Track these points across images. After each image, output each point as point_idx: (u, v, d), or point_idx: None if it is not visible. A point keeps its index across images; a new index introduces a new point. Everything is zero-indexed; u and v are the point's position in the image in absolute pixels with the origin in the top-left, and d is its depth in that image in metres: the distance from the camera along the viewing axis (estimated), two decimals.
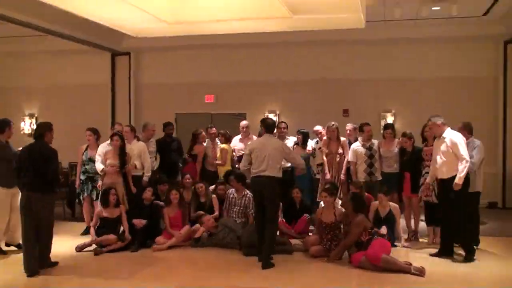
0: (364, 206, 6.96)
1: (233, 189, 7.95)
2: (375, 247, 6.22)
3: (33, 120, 13.57)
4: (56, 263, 6.31)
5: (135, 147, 8.31)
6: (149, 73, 13.18)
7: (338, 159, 8.37)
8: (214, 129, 9.28)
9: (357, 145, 8.20)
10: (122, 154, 7.83)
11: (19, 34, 11.52)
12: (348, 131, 8.70)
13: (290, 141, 8.98)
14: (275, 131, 7.58)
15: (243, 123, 9.49)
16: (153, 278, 5.99)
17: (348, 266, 6.35)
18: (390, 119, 11.67)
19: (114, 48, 12.79)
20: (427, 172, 7.39)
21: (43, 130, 6.23)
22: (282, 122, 9.33)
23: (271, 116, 12.34)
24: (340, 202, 7.49)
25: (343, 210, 6.90)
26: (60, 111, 13.09)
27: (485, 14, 10.59)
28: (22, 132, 13.47)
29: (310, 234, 7.70)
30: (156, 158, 9.05)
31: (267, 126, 6.80)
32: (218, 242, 7.39)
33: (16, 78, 13.56)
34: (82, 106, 13.09)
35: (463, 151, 6.51)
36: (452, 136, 6.66)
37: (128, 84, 13.17)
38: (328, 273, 6.17)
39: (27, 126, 13.53)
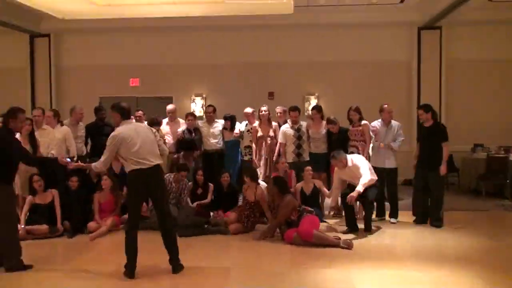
0: (287, 186, 7.26)
1: (172, 175, 8.04)
2: (305, 224, 6.56)
3: None
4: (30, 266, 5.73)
5: (58, 132, 8.11)
6: (71, 55, 12.73)
7: (269, 141, 8.63)
8: (140, 112, 9.19)
9: (286, 127, 8.50)
10: (32, 140, 7.49)
11: None
12: (278, 114, 8.95)
13: (219, 124, 9.14)
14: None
15: (170, 107, 9.50)
16: (92, 263, 5.97)
17: (281, 243, 6.65)
18: (313, 101, 12.07)
19: (33, 30, 12.28)
20: (352, 152, 7.94)
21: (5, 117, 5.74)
22: (210, 105, 9.44)
23: (198, 99, 12.47)
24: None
25: (265, 192, 7.29)
26: None
27: (401, 1, 11.23)
28: None
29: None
30: (86, 143, 8.92)
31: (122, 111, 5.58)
32: (151, 225, 7.45)
33: None
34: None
35: (364, 169, 7.11)
36: (354, 161, 7.27)
37: (49, 67, 12.69)
38: (262, 249, 6.43)
39: None
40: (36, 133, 7.67)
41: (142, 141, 5.35)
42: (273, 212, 7.13)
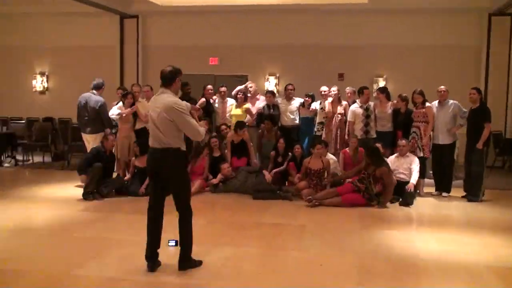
0: (383, 158, 8.15)
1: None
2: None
3: (44, 78, 14.36)
4: None
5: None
6: (157, 36, 13.96)
7: (339, 118, 9.39)
8: (224, 87, 10.16)
9: (355, 106, 9.24)
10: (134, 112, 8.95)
11: None
12: (348, 94, 9.69)
13: (296, 102, 9.99)
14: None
15: (250, 84, 10.38)
16: None
17: (346, 208, 7.53)
18: (382, 83, 12.68)
19: (123, 11, 13.53)
20: (414, 131, 8.70)
21: None
22: (290, 84, 10.26)
23: (272, 78, 13.37)
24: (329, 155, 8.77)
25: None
26: (70, 71, 13.94)
27: None
28: (34, 90, 14.33)
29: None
30: None
31: (163, 78, 4.97)
32: (233, 188, 8.49)
33: (26, 37, 14.27)
34: (92, 66, 13.80)
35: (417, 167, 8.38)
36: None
37: (136, 47, 13.96)
38: (331, 211, 7.33)
39: (39, 83, 14.32)
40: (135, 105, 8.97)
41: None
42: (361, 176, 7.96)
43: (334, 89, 9.50)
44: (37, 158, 12.12)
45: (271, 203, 7.85)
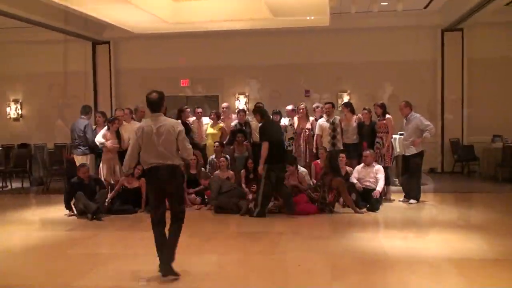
0: (340, 170, 8.83)
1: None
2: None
3: (18, 105, 14.66)
4: None
5: (134, 127, 9.71)
6: (128, 59, 14.49)
7: (307, 133, 10.02)
8: (200, 109, 10.69)
9: (322, 121, 9.86)
10: (118, 135, 9.42)
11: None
12: (315, 109, 10.34)
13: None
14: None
15: (225, 104, 11.00)
16: None
17: (318, 216, 8.13)
18: (346, 98, 13.44)
19: (95, 38, 14.00)
20: (378, 142, 9.45)
21: None
22: (259, 103, 10.53)
23: (242, 97, 13.99)
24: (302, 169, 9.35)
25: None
26: (44, 97, 14.30)
27: (425, 7, 12.73)
28: (8, 117, 14.62)
29: None
30: None
31: (153, 104, 5.32)
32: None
33: None
34: (65, 92, 14.20)
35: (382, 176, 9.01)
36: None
37: (109, 70, 14.43)
38: (302, 219, 7.92)
39: (13, 111, 14.63)
40: (120, 128, 9.48)
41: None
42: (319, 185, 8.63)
43: (302, 106, 10.14)
44: (15, 184, 12.38)
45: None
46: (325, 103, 10.05)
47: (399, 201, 9.33)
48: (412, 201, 9.18)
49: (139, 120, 10.14)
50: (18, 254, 6.36)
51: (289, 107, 10.46)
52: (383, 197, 9.19)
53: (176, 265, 5.12)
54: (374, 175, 8.92)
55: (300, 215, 8.12)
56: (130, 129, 9.58)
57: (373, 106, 9.62)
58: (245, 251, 6.24)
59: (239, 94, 14.09)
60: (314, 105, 10.43)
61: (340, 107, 11.07)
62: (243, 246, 6.46)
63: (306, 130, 10.00)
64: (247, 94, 14.12)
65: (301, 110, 10.09)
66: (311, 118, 10.16)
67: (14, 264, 5.91)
